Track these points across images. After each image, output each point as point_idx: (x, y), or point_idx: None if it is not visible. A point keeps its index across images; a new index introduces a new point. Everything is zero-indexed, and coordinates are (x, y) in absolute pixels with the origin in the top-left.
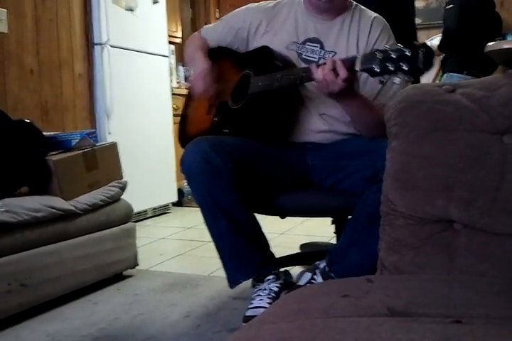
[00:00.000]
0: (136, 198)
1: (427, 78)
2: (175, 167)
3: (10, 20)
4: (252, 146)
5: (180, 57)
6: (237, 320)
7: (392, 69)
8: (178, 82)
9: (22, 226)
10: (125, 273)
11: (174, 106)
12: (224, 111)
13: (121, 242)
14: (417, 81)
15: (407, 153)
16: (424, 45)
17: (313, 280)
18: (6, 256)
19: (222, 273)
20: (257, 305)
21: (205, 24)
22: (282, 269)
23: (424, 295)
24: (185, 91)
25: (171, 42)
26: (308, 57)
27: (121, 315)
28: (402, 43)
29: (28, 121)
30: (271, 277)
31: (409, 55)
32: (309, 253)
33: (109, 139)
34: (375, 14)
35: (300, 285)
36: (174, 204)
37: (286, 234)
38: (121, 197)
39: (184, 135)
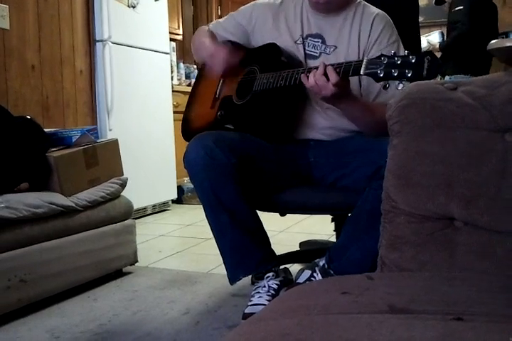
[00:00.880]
0: (136, 195)
1: None
2: (175, 164)
3: (12, 16)
4: (255, 142)
5: (182, 54)
6: (237, 316)
7: (395, 75)
8: (178, 79)
9: (22, 222)
10: (125, 269)
11: (175, 103)
12: (228, 106)
13: (121, 239)
14: None
15: (409, 150)
16: (431, 52)
17: (312, 278)
18: (6, 252)
19: (221, 270)
20: (257, 302)
21: (207, 21)
22: (282, 267)
23: (424, 292)
24: (186, 88)
25: (172, 40)
26: (310, 52)
27: (120, 311)
28: (407, 44)
29: (28, 117)
30: (270, 274)
31: (414, 62)
32: (309, 251)
33: (110, 136)
34: (378, 10)
35: (299, 283)
36: (174, 201)
37: (285, 231)
38: (122, 193)
39: (188, 129)
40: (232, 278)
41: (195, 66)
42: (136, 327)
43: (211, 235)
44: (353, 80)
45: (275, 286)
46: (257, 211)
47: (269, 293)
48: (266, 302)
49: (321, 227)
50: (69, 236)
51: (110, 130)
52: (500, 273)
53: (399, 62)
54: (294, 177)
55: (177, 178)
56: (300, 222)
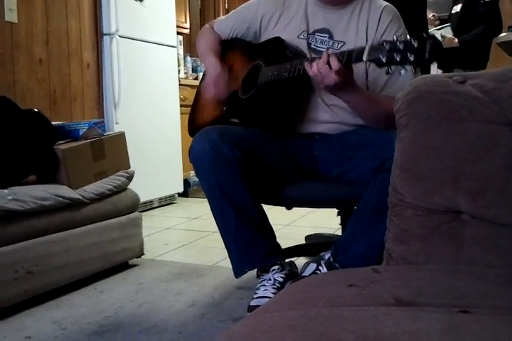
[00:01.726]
0: (143, 188)
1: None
2: (181, 157)
3: (20, 9)
4: (260, 136)
5: (189, 48)
6: (242, 309)
7: (398, 59)
8: (185, 73)
9: (29, 215)
10: (131, 262)
11: (181, 96)
12: (233, 101)
13: (128, 231)
14: (427, 72)
15: (416, 143)
16: (432, 36)
17: (318, 271)
18: (14, 244)
19: (227, 263)
20: (262, 295)
21: (214, 15)
22: (287, 260)
23: (431, 285)
24: (192, 82)
25: (179, 33)
26: (317, 47)
27: (126, 303)
28: (412, 35)
29: (36, 110)
30: (276, 267)
31: (417, 46)
32: (314, 245)
33: (117, 129)
34: (386, 3)
35: (305, 276)
36: (180, 194)
37: (291, 225)
38: (128, 186)
39: (193, 124)
40: (238, 271)
41: None
42: (142, 319)
43: (217, 228)
44: (360, 71)
45: (281, 279)
46: (263, 205)
47: (275, 286)
48: (271, 295)
49: (326, 221)
50: (76, 228)
51: (117, 123)
52: (507, 266)
53: (401, 46)
54: (299, 171)
55: (183, 172)
56: (306, 215)
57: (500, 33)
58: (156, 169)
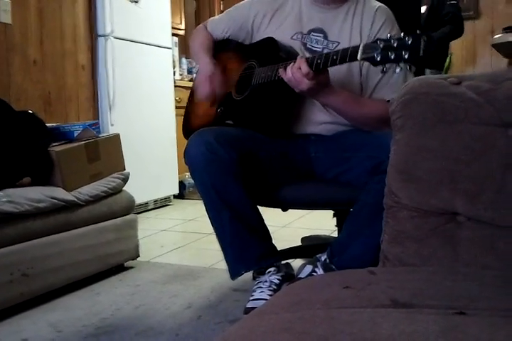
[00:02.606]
0: (138, 190)
1: None
2: (177, 159)
3: (14, 10)
4: (255, 138)
5: (184, 49)
6: (239, 311)
7: (392, 58)
8: (181, 74)
9: (24, 217)
10: (126, 264)
11: (177, 98)
12: (228, 103)
13: (123, 233)
14: (422, 72)
15: (412, 145)
16: (426, 33)
17: (314, 273)
18: (8, 246)
19: (223, 265)
20: (258, 297)
21: (209, 16)
22: (284, 262)
23: (427, 286)
24: (188, 84)
25: (174, 35)
26: (312, 47)
27: (122, 305)
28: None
29: (31, 111)
30: (272, 269)
31: (410, 43)
32: (310, 246)
33: (112, 130)
34: (380, 4)
35: (301, 278)
36: (175, 196)
37: (287, 227)
38: (123, 188)
39: (188, 126)
40: (234, 273)
41: None
42: (138, 321)
43: (213, 230)
44: (354, 70)
45: (277, 281)
46: (259, 206)
47: (271, 288)
48: (267, 297)
49: (322, 222)
50: (71, 230)
51: (112, 125)
52: (504, 268)
53: (395, 44)
54: (295, 173)
55: (179, 173)
56: (302, 217)
57: (460, 36)
58: (151, 171)
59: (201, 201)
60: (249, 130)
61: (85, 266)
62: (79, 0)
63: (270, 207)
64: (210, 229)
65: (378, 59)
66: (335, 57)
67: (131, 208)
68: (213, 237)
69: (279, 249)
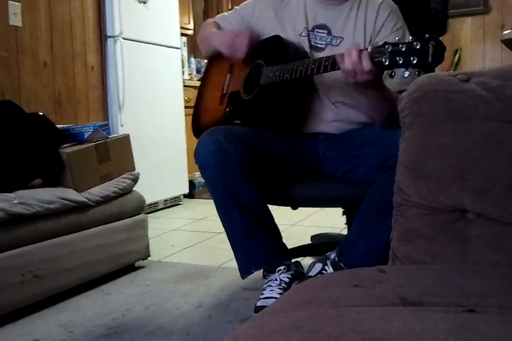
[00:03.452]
0: (148, 190)
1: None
2: (186, 159)
3: (24, 13)
4: (265, 137)
5: (193, 49)
6: (249, 310)
7: (400, 62)
8: (189, 74)
9: (35, 218)
10: (137, 264)
11: (186, 98)
12: (236, 102)
13: (133, 233)
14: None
15: (421, 142)
16: (435, 37)
17: (324, 271)
18: (20, 248)
19: (233, 264)
20: (268, 296)
21: None
22: (293, 260)
23: (437, 284)
24: (197, 83)
25: (183, 35)
26: (316, 44)
27: (133, 305)
28: (415, 32)
29: (41, 113)
30: (282, 268)
31: (419, 48)
32: (320, 244)
33: (122, 131)
34: None
35: (311, 276)
36: (185, 196)
37: (297, 225)
38: (134, 188)
39: (197, 125)
40: (244, 272)
41: (206, 61)
42: (149, 321)
43: (223, 229)
44: None
45: (287, 280)
46: (269, 204)
47: (281, 287)
48: (277, 296)
49: (332, 221)
50: (82, 231)
51: (122, 126)
52: None
53: (403, 49)
54: (304, 171)
55: (188, 173)
56: (311, 215)
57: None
58: (161, 171)
59: (211, 200)
60: (258, 129)
61: (96, 266)
62: (88, 2)
63: (280, 206)
64: (220, 228)
65: (386, 63)
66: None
67: (142, 208)
68: (223, 236)
69: (288, 247)
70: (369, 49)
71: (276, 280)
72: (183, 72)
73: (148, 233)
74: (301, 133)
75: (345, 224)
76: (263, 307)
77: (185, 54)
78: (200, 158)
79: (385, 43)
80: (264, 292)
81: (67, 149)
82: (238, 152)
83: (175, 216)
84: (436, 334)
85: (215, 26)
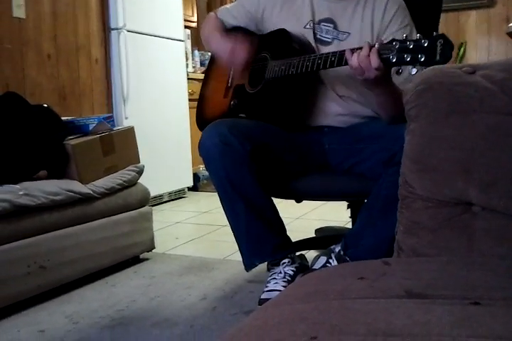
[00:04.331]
0: (153, 182)
1: None
2: (191, 151)
3: (27, 5)
4: (269, 130)
5: (196, 42)
6: (253, 302)
7: (408, 60)
8: (193, 67)
9: (41, 210)
10: (142, 256)
11: (190, 90)
12: (241, 95)
13: (138, 226)
14: None
15: (426, 135)
16: (443, 35)
17: (328, 264)
18: (26, 239)
19: (237, 256)
20: (273, 288)
21: None
22: (298, 253)
23: (442, 277)
24: (200, 76)
25: (186, 27)
26: (322, 38)
27: (138, 297)
28: (423, 29)
29: (46, 105)
30: (286, 261)
31: (427, 46)
32: (324, 238)
33: (126, 124)
34: None
35: (315, 269)
36: (190, 188)
37: (301, 218)
38: (138, 181)
39: (201, 118)
40: (248, 264)
41: (209, 53)
42: (153, 312)
43: (227, 222)
44: None
45: (291, 272)
46: (273, 198)
47: (285, 279)
48: (282, 288)
49: (336, 214)
50: (87, 223)
51: (126, 118)
52: None
53: (411, 46)
54: (309, 164)
55: (193, 166)
56: (316, 208)
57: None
58: (165, 163)
59: (215, 193)
60: (263, 122)
61: (101, 258)
62: None
63: (284, 199)
64: (225, 220)
65: (394, 60)
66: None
67: (146, 200)
68: (228, 229)
69: (293, 240)
70: (376, 45)
71: (280, 273)
72: (187, 64)
73: (153, 225)
74: (307, 126)
75: (350, 217)
76: (267, 299)
77: (189, 46)
78: (204, 150)
79: (393, 40)
80: (268, 284)
81: (72, 141)
82: (242, 145)
83: (179, 209)
84: (441, 326)
85: (217, 22)
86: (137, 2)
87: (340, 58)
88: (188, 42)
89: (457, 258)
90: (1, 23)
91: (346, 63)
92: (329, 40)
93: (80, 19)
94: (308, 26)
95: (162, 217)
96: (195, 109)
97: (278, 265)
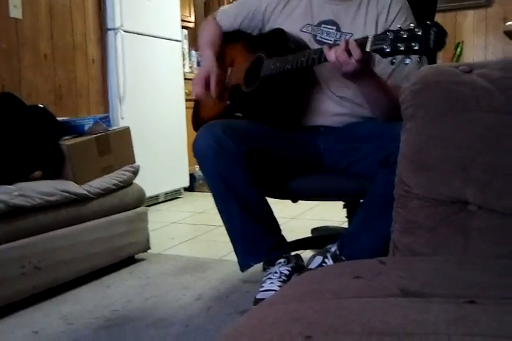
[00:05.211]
0: (149, 183)
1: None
2: (187, 152)
3: (24, 5)
4: (265, 130)
5: (193, 42)
6: (249, 302)
7: (402, 49)
8: (190, 67)
9: (36, 210)
10: (137, 256)
11: (186, 91)
12: (236, 95)
13: (134, 226)
14: (434, 62)
15: (423, 134)
16: (436, 23)
17: (324, 264)
18: (20, 240)
19: (232, 256)
20: (268, 288)
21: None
22: (293, 253)
23: (437, 276)
24: None
25: (183, 27)
26: (323, 39)
27: (133, 297)
28: (419, 23)
29: (41, 106)
30: (282, 260)
31: (421, 34)
32: (320, 237)
33: (122, 124)
34: None
35: (311, 269)
36: (186, 189)
37: (297, 218)
38: (134, 181)
39: (197, 119)
40: (243, 265)
41: None
42: (149, 312)
43: (222, 222)
44: None
45: (287, 272)
46: (269, 198)
47: (281, 279)
48: (277, 288)
49: (332, 214)
50: (82, 223)
51: (122, 118)
52: None
53: (405, 35)
54: (304, 165)
55: (189, 166)
56: (312, 208)
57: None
58: (161, 163)
59: (211, 193)
60: (258, 122)
61: (96, 258)
62: None
63: (280, 199)
64: (220, 221)
65: (388, 50)
66: (360, 44)
67: (142, 201)
68: (223, 229)
69: (289, 240)
70: (370, 37)
71: (276, 272)
72: (184, 64)
73: (149, 226)
74: (302, 125)
75: (346, 217)
76: (263, 299)
77: (186, 47)
78: (198, 151)
79: (387, 31)
80: (263, 284)
81: (67, 141)
82: (237, 146)
83: (175, 209)
84: (436, 325)
85: (215, 29)
86: (134, 2)
87: (320, 55)
88: (185, 43)
89: (453, 257)
90: None
91: (326, 59)
92: (331, 41)
93: (77, 19)
94: (304, 29)
95: (158, 217)
96: (191, 110)
97: (273, 265)
